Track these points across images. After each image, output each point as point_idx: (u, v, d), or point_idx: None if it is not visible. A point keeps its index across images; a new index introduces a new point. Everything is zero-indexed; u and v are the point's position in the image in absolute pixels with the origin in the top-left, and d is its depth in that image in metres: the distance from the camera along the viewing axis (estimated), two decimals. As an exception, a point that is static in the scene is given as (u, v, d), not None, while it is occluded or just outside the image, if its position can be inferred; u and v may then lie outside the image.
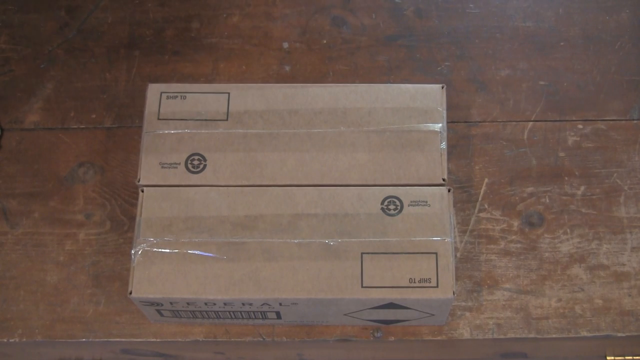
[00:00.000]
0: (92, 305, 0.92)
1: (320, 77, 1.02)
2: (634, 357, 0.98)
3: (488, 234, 0.94)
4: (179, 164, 0.88)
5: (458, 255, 0.93)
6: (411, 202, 0.86)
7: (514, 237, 0.93)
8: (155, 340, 0.91)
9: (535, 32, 1.04)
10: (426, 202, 0.85)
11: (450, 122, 0.98)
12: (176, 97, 0.91)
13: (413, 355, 0.97)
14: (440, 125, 0.89)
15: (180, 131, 0.89)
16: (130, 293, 0.83)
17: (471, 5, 1.06)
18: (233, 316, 0.87)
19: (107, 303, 0.92)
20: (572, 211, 0.94)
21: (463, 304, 0.91)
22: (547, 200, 0.95)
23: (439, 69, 1.02)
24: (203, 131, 0.89)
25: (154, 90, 0.91)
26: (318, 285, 0.83)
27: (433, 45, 1.03)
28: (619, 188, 0.96)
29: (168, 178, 0.87)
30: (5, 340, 0.91)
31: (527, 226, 0.94)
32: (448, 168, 0.93)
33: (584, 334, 0.90)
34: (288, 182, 0.87)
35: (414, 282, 0.83)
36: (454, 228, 0.94)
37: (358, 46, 1.03)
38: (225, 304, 0.84)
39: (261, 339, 0.90)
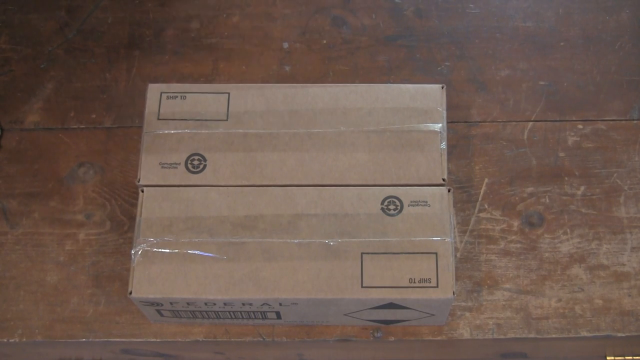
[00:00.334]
0: (92, 305, 0.92)
1: (320, 77, 1.02)
2: (634, 357, 0.98)
3: (488, 234, 0.94)
4: (179, 164, 0.88)
5: (458, 255, 0.93)
6: (411, 202, 0.86)
7: (514, 237, 0.93)
8: (155, 340, 0.91)
9: (535, 32, 1.04)
10: (426, 202, 0.85)
11: (450, 122, 0.98)
12: (176, 97, 0.91)
13: (413, 355, 0.97)
14: (440, 125, 0.89)
15: (180, 131, 0.89)
16: (130, 293, 0.83)
17: (471, 5, 1.06)
18: (233, 316, 0.87)
19: (107, 303, 0.92)
20: (572, 211, 0.94)
21: (463, 304, 0.91)
22: (547, 201, 0.95)
23: (439, 69, 1.02)
24: (203, 131, 0.89)
25: (154, 90, 0.91)
26: (318, 285, 0.83)
27: (433, 45, 1.03)
28: (619, 188, 0.96)
29: (168, 178, 0.87)
30: (5, 340, 0.91)
31: (527, 226, 0.94)
32: (448, 168, 0.93)
33: (584, 334, 0.90)
34: (288, 182, 0.87)
35: (414, 282, 0.83)
36: (454, 228, 0.94)
37: (358, 46, 1.03)
38: (225, 304, 0.84)
39: (261, 339, 0.90)
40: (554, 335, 0.90)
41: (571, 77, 1.01)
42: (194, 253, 0.84)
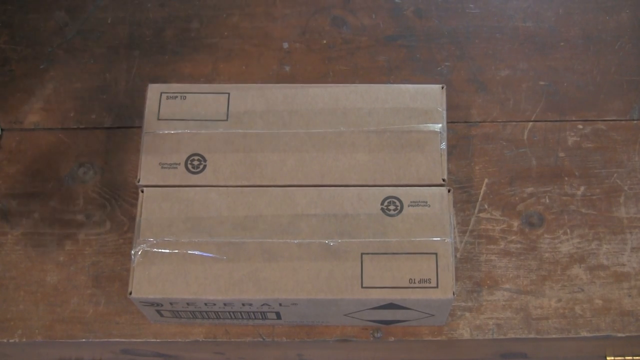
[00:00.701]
0: (92, 306, 0.92)
1: (320, 77, 1.02)
2: (634, 358, 0.98)
3: (488, 234, 0.94)
4: (179, 164, 0.88)
5: (458, 255, 0.93)
6: (411, 202, 0.86)
7: (514, 237, 0.93)
8: (155, 340, 0.91)
9: (535, 32, 1.04)
10: (426, 202, 0.85)
11: (450, 122, 0.98)
12: (176, 97, 0.91)
13: (413, 355, 0.97)
14: (440, 125, 0.89)
15: (180, 131, 0.89)
16: (130, 293, 0.83)
17: (471, 5, 1.06)
18: (233, 316, 0.87)
19: (107, 303, 0.92)
20: (572, 211, 0.94)
21: (463, 304, 0.91)
22: (547, 201, 0.95)
23: (439, 69, 1.02)
24: (203, 131, 0.89)
25: (154, 91, 0.91)
26: (318, 285, 0.83)
27: (433, 46, 1.03)
28: (619, 188, 0.96)
29: (168, 178, 0.87)
30: (5, 340, 0.91)
31: (527, 226, 0.94)
32: (448, 168, 0.93)
33: (584, 334, 0.90)
34: (288, 183, 0.87)
35: (414, 283, 0.83)
36: (454, 228, 0.94)
37: (358, 46, 1.03)
38: (225, 304, 0.84)
39: (261, 339, 0.90)
40: (554, 336, 0.90)
41: (571, 77, 1.01)
42: (194, 253, 0.84)
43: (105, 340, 0.91)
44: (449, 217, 0.85)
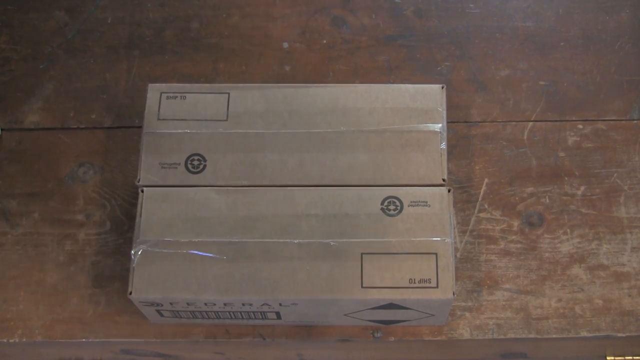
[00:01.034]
0: (92, 305, 0.92)
1: (320, 77, 1.02)
2: (634, 357, 0.98)
3: (488, 234, 0.94)
4: (179, 164, 0.88)
5: (458, 255, 0.93)
6: (411, 202, 0.86)
7: (514, 237, 0.93)
8: (155, 340, 0.91)
9: (535, 32, 1.04)
10: (426, 202, 0.85)
11: (450, 122, 0.98)
12: (176, 97, 0.91)
13: (413, 355, 0.97)
14: (440, 125, 0.89)
15: (180, 131, 0.89)
16: (130, 293, 0.83)
17: (471, 5, 1.06)
18: (233, 316, 0.87)
19: (107, 303, 0.92)
20: (572, 211, 0.94)
21: (463, 304, 0.91)
22: (547, 201, 0.95)
23: (439, 69, 1.02)
24: (203, 131, 0.89)
25: (154, 91, 0.91)
26: (318, 285, 0.83)
27: (433, 45, 1.03)
28: (619, 188, 0.96)
29: (168, 178, 0.87)
30: (5, 340, 0.91)
31: (527, 226, 0.94)
32: (448, 168, 0.93)
33: (584, 334, 0.90)
34: (288, 183, 0.87)
35: (414, 283, 0.83)
36: (454, 228, 0.94)
37: (358, 46, 1.03)
38: (225, 304, 0.84)
39: (261, 339, 0.90)
40: (554, 336, 0.90)
41: (571, 77, 1.01)
42: (194, 253, 0.84)
43: (105, 340, 0.91)
44: (449, 217, 0.85)
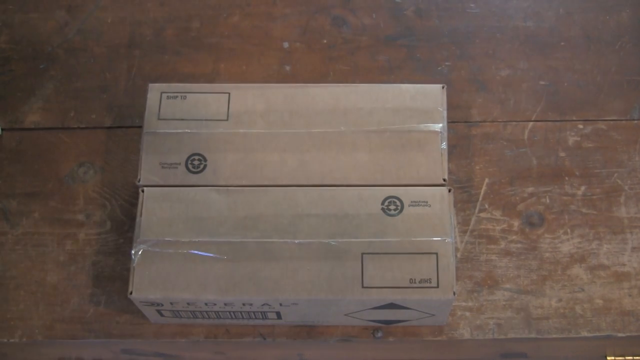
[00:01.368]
0: (92, 305, 0.92)
1: (320, 77, 1.02)
2: (634, 357, 0.98)
3: (488, 234, 0.94)
4: (179, 164, 0.88)
5: (458, 255, 0.93)
6: (411, 202, 0.86)
7: (514, 237, 0.93)
8: (155, 340, 0.91)
9: (535, 32, 1.04)
10: (426, 202, 0.85)
11: (451, 122, 0.98)
12: (176, 97, 0.90)
13: (413, 355, 0.97)
14: (441, 125, 0.89)
15: (180, 131, 0.89)
16: (131, 293, 0.83)
17: (471, 5, 1.06)
18: (233, 316, 0.87)
19: (107, 303, 0.92)
20: (573, 211, 0.94)
21: (463, 304, 0.91)
22: (548, 201, 0.95)
23: (439, 69, 1.02)
24: (203, 131, 0.89)
25: (154, 90, 0.91)
26: (318, 285, 0.83)
27: (433, 45, 1.03)
28: (619, 188, 0.96)
29: (168, 178, 0.87)
30: (5, 340, 0.91)
31: (528, 226, 0.94)
32: (448, 168, 0.92)
33: (585, 334, 0.90)
34: (288, 183, 0.87)
35: (415, 283, 0.83)
36: (455, 228, 0.94)
37: (358, 46, 1.03)
38: (225, 304, 0.84)
39: (261, 339, 0.90)
40: (554, 336, 0.90)
41: (571, 77, 1.01)
42: (194, 253, 0.84)
43: (105, 340, 0.91)
44: (449, 217, 0.85)
